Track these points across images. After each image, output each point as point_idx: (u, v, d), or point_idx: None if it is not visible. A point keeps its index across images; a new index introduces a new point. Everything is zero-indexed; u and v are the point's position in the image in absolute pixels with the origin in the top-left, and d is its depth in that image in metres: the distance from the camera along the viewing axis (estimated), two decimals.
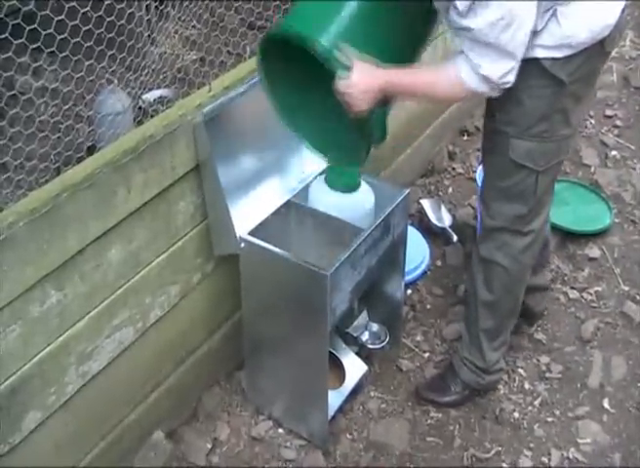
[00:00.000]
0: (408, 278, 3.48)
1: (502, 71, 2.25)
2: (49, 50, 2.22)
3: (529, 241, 2.76)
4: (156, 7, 3.25)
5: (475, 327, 2.97)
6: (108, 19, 2.40)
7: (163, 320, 2.70)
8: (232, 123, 2.64)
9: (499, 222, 2.72)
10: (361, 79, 2.28)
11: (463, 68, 2.28)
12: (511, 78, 2.28)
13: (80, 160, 2.31)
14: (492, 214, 2.74)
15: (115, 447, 2.66)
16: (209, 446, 2.91)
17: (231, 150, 2.64)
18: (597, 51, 2.42)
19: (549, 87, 2.43)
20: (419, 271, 3.66)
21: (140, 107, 2.90)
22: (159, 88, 3.01)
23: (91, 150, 2.53)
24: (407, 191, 2.89)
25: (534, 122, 2.48)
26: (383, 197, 2.87)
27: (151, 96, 2.99)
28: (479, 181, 3.54)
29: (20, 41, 2.07)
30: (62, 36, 2.20)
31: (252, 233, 2.65)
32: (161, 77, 2.95)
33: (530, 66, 2.36)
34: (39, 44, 2.17)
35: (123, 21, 2.52)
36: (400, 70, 2.37)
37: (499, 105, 2.52)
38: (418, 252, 3.68)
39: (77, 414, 2.44)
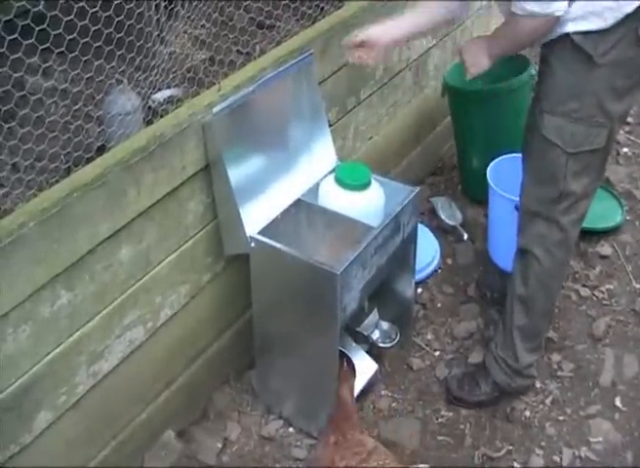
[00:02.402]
0: (418, 276, 3.47)
1: None
2: (58, 50, 2.21)
3: (562, 235, 2.78)
4: (165, 6, 3.24)
5: (510, 323, 2.98)
6: (118, 19, 2.40)
7: (173, 319, 2.70)
8: (242, 122, 2.64)
9: (533, 206, 2.77)
10: (472, 44, 2.80)
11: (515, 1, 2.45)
12: None
13: (90, 160, 2.31)
14: (527, 197, 2.80)
15: (126, 446, 2.67)
16: (219, 445, 2.91)
17: (241, 150, 2.63)
18: (631, 39, 2.47)
19: (580, 62, 2.50)
20: (429, 269, 3.66)
21: (149, 107, 2.90)
22: (169, 87, 3.01)
23: (101, 150, 2.53)
24: (417, 189, 2.89)
25: (564, 98, 2.55)
26: (394, 195, 2.87)
27: (161, 95, 2.99)
28: (489, 178, 3.53)
29: (29, 42, 2.07)
30: (72, 36, 2.20)
31: (262, 232, 2.65)
32: (171, 77, 2.94)
33: (562, 41, 2.49)
34: (48, 44, 2.18)
35: (132, 21, 2.53)
36: (493, 32, 2.76)
37: (540, 80, 2.66)
38: (428, 250, 3.68)
39: (88, 414, 2.45)
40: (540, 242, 2.80)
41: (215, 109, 2.51)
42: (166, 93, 3.01)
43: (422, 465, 2.76)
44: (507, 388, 3.08)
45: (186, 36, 3.32)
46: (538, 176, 2.74)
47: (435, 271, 3.72)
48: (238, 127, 2.63)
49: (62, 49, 2.22)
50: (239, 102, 2.60)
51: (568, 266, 2.96)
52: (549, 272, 2.86)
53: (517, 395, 3.14)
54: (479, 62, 2.77)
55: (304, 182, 2.92)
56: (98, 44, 2.33)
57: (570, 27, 2.46)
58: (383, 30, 2.75)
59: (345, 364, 2.54)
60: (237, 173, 2.60)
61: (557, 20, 2.44)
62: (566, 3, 2.41)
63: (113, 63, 2.46)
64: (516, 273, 2.93)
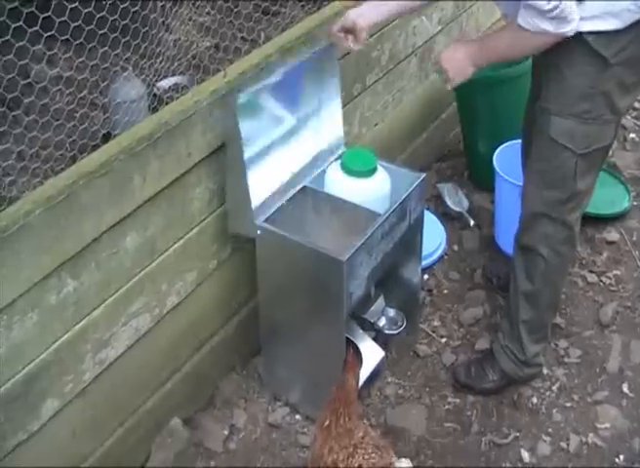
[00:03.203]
0: (425, 262, 3.47)
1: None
2: (63, 38, 2.20)
3: (568, 233, 2.77)
4: None
5: (516, 318, 2.97)
6: (122, 6, 2.39)
7: (179, 307, 2.70)
8: (261, 106, 2.63)
9: (539, 208, 2.74)
10: (454, 52, 2.62)
11: (525, 16, 2.35)
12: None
13: (95, 148, 2.30)
14: (532, 199, 2.76)
15: (133, 433, 2.67)
16: (226, 432, 2.92)
17: (255, 133, 2.62)
18: None
19: (592, 65, 2.45)
20: (436, 256, 3.66)
21: (155, 95, 2.89)
22: (174, 75, 3.00)
23: (106, 138, 2.52)
24: (423, 175, 2.88)
25: (575, 100, 2.50)
26: (400, 182, 2.86)
27: (166, 83, 2.98)
28: (496, 164, 3.52)
29: (34, 29, 2.06)
30: (76, 24, 2.19)
31: (268, 220, 2.65)
32: (176, 64, 2.93)
33: (574, 42, 2.40)
34: (53, 32, 2.17)
35: (137, 8, 2.51)
36: (481, 39, 2.70)
37: (544, 82, 2.58)
38: (434, 236, 3.67)
39: (94, 402, 2.45)
40: (546, 241, 2.79)
41: (240, 93, 2.50)
42: (171, 80, 3.00)
43: (404, 461, 2.76)
44: (515, 377, 3.08)
45: (191, 23, 3.30)
46: (544, 179, 2.69)
47: (442, 257, 3.71)
48: (257, 110, 2.62)
49: (67, 36, 2.21)
50: (259, 87, 2.59)
51: (571, 263, 2.93)
52: (556, 269, 2.86)
53: (524, 382, 3.14)
54: (463, 72, 2.63)
55: (311, 169, 2.91)
56: (102, 31, 2.32)
57: (584, 27, 2.39)
58: (364, 14, 2.67)
59: (352, 352, 2.54)
60: (249, 154, 2.59)
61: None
62: (577, 22, 2.34)
63: (118, 51, 2.45)
64: (519, 269, 2.91)
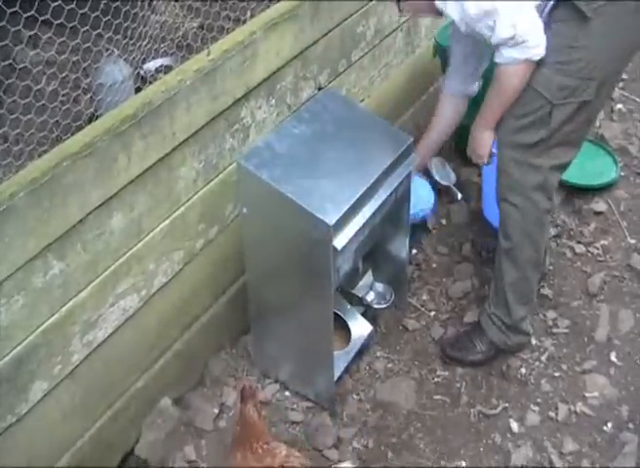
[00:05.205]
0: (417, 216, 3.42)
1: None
2: (43, 18, 2.19)
3: (539, 179, 2.79)
4: None
5: (501, 283, 3.01)
6: None
7: (167, 286, 2.70)
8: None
9: (509, 152, 2.79)
10: (472, 138, 2.94)
11: (497, 54, 2.59)
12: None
13: (80, 129, 2.30)
14: (504, 144, 2.81)
15: (123, 414, 2.69)
16: (216, 411, 2.93)
17: None
18: (630, 7, 2.52)
19: (571, 18, 2.54)
20: (427, 208, 3.55)
21: (142, 77, 2.88)
22: (161, 57, 2.99)
23: (91, 120, 2.52)
24: (411, 139, 2.86)
25: (553, 51, 2.56)
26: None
27: (152, 65, 2.97)
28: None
29: (13, 10, 2.05)
30: (57, 3, 2.17)
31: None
32: (162, 47, 2.92)
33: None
34: (33, 12, 2.15)
35: None
36: (481, 111, 2.84)
37: None
38: (423, 194, 3.60)
39: (83, 383, 2.46)
40: (517, 189, 2.82)
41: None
42: (158, 61, 2.99)
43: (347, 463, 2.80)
44: (503, 346, 3.10)
45: (177, 6, 3.28)
46: (519, 123, 2.73)
47: (433, 213, 3.71)
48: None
49: (48, 16, 2.20)
50: None
51: (548, 216, 2.93)
52: (531, 220, 2.87)
53: (513, 353, 3.16)
54: (485, 143, 2.88)
55: None
56: (84, 11, 2.31)
57: None
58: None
59: (247, 384, 2.49)
60: None
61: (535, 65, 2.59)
62: (543, 47, 2.53)
63: (100, 31, 2.43)
64: (500, 229, 2.97)
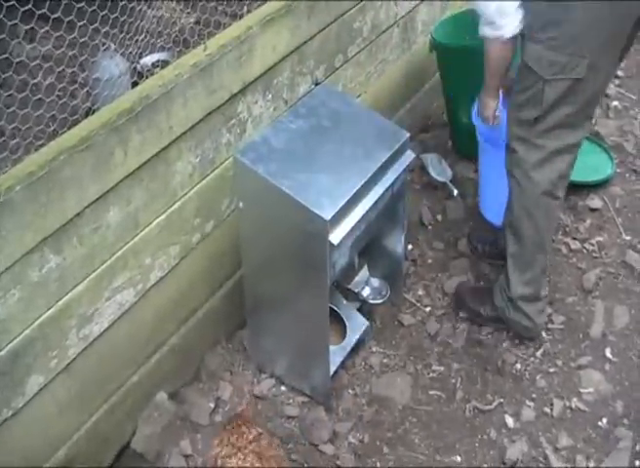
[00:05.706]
0: None
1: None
2: (39, 12, 2.19)
3: (540, 157, 2.82)
4: None
5: (505, 251, 3.08)
6: None
7: (163, 281, 2.71)
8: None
9: (514, 129, 2.86)
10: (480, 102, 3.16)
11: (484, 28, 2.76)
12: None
13: (76, 123, 2.30)
14: (510, 120, 2.90)
15: (119, 408, 2.69)
16: (212, 405, 2.94)
17: None
18: None
19: None
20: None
21: (138, 72, 2.88)
22: (158, 52, 2.99)
23: (88, 114, 2.52)
24: (407, 135, 2.86)
25: (543, 25, 2.61)
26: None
27: (149, 59, 2.97)
28: (474, 120, 3.52)
29: (9, 4, 2.05)
30: None
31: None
32: (159, 41, 2.92)
33: None
34: (30, 6, 2.15)
35: None
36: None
37: (525, 12, 2.71)
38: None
39: (80, 377, 2.46)
40: (518, 165, 2.88)
41: None
42: (154, 56, 2.99)
43: None
44: (502, 315, 3.15)
45: (174, 0, 3.28)
46: (517, 99, 2.82)
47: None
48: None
49: (45, 10, 2.20)
50: None
51: (553, 201, 2.93)
52: (529, 197, 2.91)
53: (509, 345, 3.19)
54: (488, 107, 3.10)
55: None
56: (80, 5, 2.31)
57: None
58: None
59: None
60: None
61: (514, 42, 2.75)
62: (515, 25, 2.67)
63: (97, 25, 2.43)
64: (507, 202, 3.04)
